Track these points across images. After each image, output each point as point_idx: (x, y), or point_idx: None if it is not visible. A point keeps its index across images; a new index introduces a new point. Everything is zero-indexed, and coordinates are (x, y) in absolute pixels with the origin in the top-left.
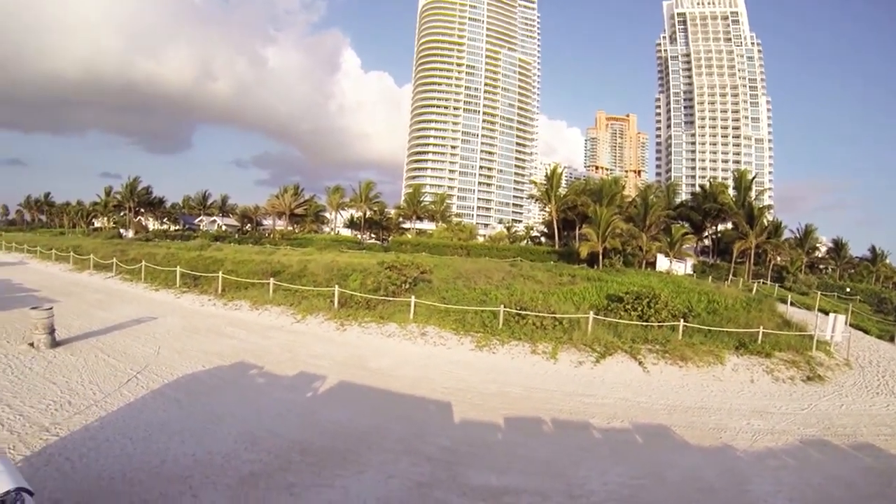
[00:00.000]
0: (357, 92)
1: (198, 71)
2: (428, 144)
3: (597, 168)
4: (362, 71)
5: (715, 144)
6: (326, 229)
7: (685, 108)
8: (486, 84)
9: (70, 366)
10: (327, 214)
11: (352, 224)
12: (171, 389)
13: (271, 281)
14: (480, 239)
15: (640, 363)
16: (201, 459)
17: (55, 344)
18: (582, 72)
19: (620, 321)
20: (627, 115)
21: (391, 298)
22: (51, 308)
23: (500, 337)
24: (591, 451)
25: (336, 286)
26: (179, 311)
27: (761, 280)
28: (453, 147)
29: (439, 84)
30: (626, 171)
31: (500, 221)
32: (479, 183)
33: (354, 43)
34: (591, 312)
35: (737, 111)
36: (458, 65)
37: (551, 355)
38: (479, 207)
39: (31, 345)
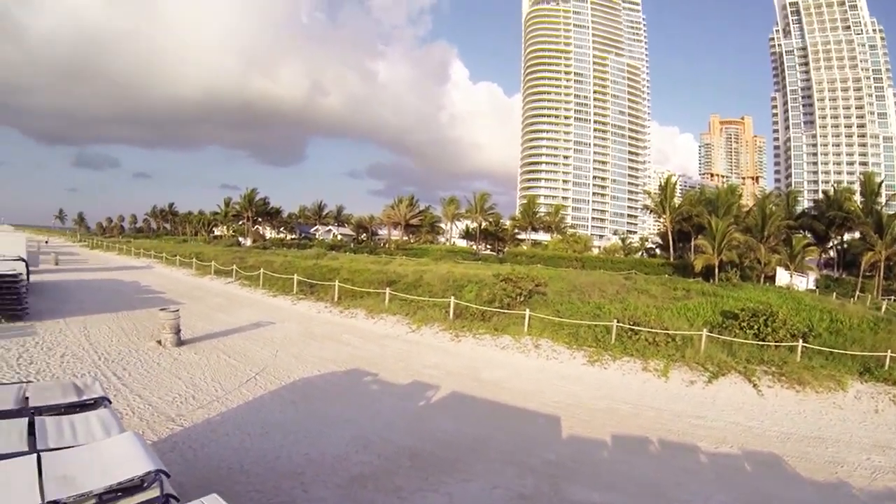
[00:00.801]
0: (467, 102)
1: (310, 87)
2: (541, 155)
3: (712, 176)
4: (471, 82)
5: (838, 145)
6: (442, 240)
7: (804, 105)
8: (595, 91)
9: (194, 364)
10: (442, 225)
11: (467, 235)
12: (287, 392)
13: (387, 290)
14: (595, 251)
15: (754, 385)
16: (314, 459)
17: (180, 343)
18: (692, 74)
19: (735, 339)
20: (742, 118)
21: (506, 311)
22: (177, 310)
23: (612, 352)
24: (697, 474)
25: (451, 297)
26: (296, 317)
27: (892, 297)
28: (566, 157)
29: (548, 93)
30: (743, 179)
31: (615, 233)
32: (593, 193)
33: (462, 54)
34: (705, 329)
35: (861, 107)
36: (566, 73)
37: (662, 373)
38: (593, 218)
39: (159, 342)
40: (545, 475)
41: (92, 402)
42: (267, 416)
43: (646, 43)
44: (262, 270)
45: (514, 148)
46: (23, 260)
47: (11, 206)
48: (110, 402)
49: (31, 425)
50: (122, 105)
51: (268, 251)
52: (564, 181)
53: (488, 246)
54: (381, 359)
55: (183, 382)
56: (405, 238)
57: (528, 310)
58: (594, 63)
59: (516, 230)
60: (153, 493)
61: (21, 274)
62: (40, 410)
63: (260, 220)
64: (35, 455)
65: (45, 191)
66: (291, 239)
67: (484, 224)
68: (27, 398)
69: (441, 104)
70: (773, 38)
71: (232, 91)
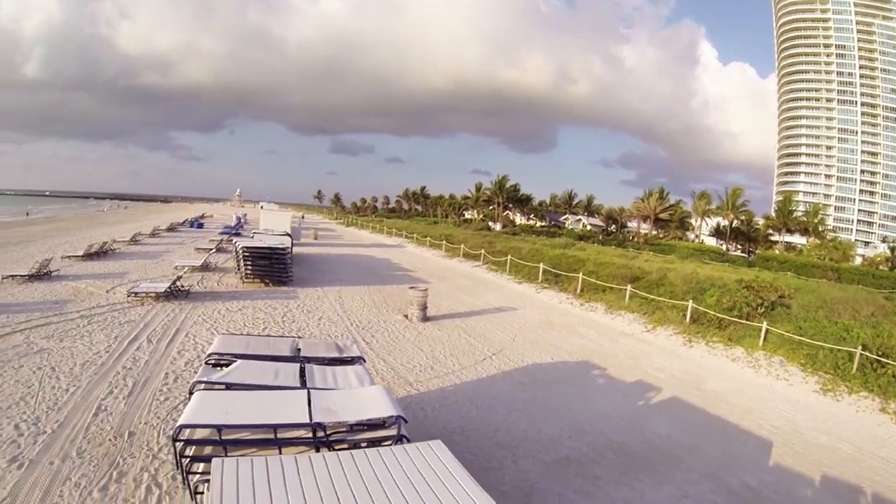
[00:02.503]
0: (718, 86)
1: (556, 75)
2: (799, 145)
3: None
4: (720, 63)
5: None
6: (691, 236)
7: None
8: (860, 66)
9: (435, 338)
10: (692, 220)
11: (717, 233)
12: (519, 374)
13: (628, 287)
14: (858, 260)
15: None
16: (529, 436)
17: (425, 319)
18: None
19: None
20: None
21: (744, 321)
22: (426, 289)
23: (849, 384)
24: None
25: (690, 301)
26: (538, 305)
27: None
28: (828, 147)
29: (805, 72)
30: None
31: (884, 240)
32: (860, 191)
33: (709, 33)
34: None
35: None
36: (826, 46)
37: None
38: (859, 221)
39: (406, 316)
40: (739, 498)
41: (350, 359)
42: (496, 392)
43: None
44: (509, 257)
45: (771, 136)
46: (288, 235)
47: (277, 186)
48: (364, 361)
49: (303, 369)
50: (374, 97)
51: (517, 237)
52: (827, 175)
53: (738, 246)
54: (612, 354)
55: (424, 354)
56: (654, 232)
57: (766, 323)
58: (858, 32)
59: (769, 231)
60: (391, 431)
61: (288, 247)
62: (309, 360)
63: (510, 205)
64: (306, 391)
65: (306, 174)
66: (541, 226)
67: (735, 222)
68: (299, 349)
69: (691, 89)
70: None
71: (479, 80)
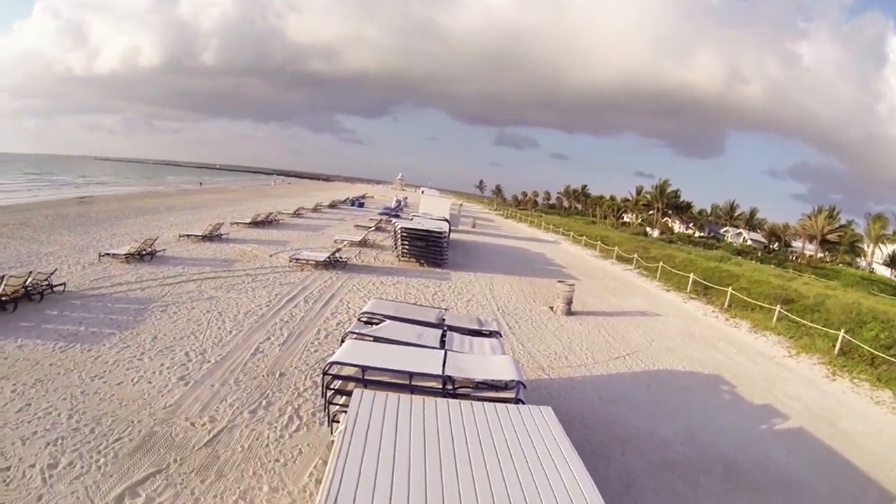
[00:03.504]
0: None
1: (728, 74)
2: None
3: None
4: None
5: None
6: (862, 263)
7: None
8: None
9: (575, 332)
10: (864, 246)
11: (893, 263)
12: (648, 376)
13: (778, 308)
14: None
15: None
16: (642, 434)
17: (569, 313)
18: None
19: None
20: None
21: None
22: (573, 284)
23: None
24: None
25: (842, 331)
26: (682, 315)
27: None
28: None
29: None
30: None
31: None
32: None
33: None
34: None
35: None
36: None
37: None
38: None
39: (551, 308)
40: None
41: (488, 332)
42: (621, 389)
43: None
44: (660, 263)
45: None
46: (446, 220)
47: (438, 173)
48: (501, 336)
49: (444, 335)
50: (539, 91)
51: (672, 245)
52: None
53: None
54: (745, 374)
55: (561, 345)
56: (819, 255)
57: None
58: None
59: None
60: (511, 394)
61: (445, 231)
62: (452, 328)
63: (669, 212)
64: (444, 351)
65: (468, 163)
66: (699, 236)
67: None
68: (444, 319)
69: (878, 92)
70: None
71: (647, 79)
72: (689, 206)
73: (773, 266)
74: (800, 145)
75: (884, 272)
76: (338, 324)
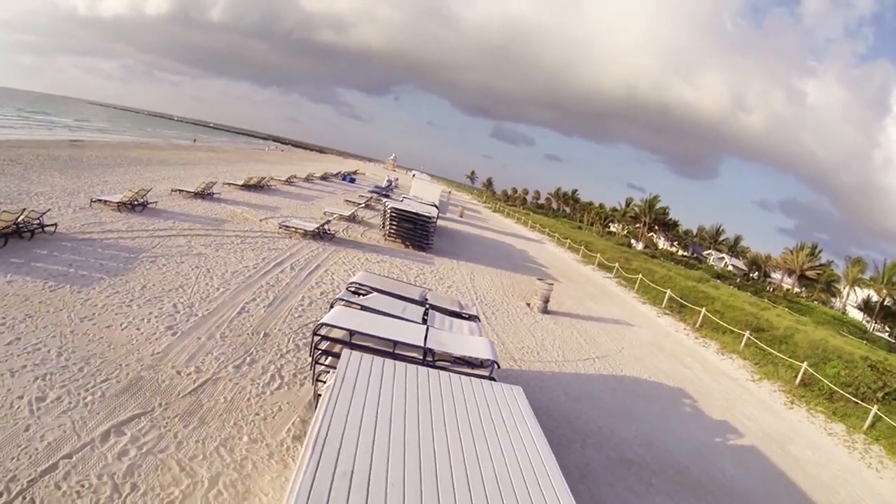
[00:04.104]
0: None
1: (731, 100)
2: None
3: None
4: None
5: None
6: (837, 304)
7: None
8: None
9: (549, 330)
10: (840, 287)
11: (865, 306)
12: (614, 380)
13: (747, 334)
14: None
15: None
16: (603, 432)
17: (545, 311)
18: None
19: None
20: None
21: (857, 401)
22: (552, 284)
23: None
24: None
25: (805, 363)
26: (654, 328)
27: None
28: None
29: None
30: None
31: None
32: None
33: None
34: None
35: None
36: None
37: None
38: None
39: (528, 305)
40: None
41: (467, 315)
42: (587, 389)
43: None
44: (640, 276)
45: None
46: (435, 206)
47: (431, 159)
48: (479, 320)
49: (426, 312)
50: (542, 90)
51: (654, 260)
52: None
53: (887, 327)
54: (707, 391)
55: (534, 340)
56: (796, 289)
57: (876, 408)
58: None
59: None
60: (485, 371)
61: (434, 216)
62: (434, 307)
63: (656, 227)
64: (426, 326)
65: (462, 152)
66: (682, 255)
67: (888, 300)
68: (426, 298)
69: (876, 140)
70: None
71: (651, 92)
72: (675, 224)
73: (749, 293)
74: (793, 181)
75: (856, 315)
76: (322, 293)
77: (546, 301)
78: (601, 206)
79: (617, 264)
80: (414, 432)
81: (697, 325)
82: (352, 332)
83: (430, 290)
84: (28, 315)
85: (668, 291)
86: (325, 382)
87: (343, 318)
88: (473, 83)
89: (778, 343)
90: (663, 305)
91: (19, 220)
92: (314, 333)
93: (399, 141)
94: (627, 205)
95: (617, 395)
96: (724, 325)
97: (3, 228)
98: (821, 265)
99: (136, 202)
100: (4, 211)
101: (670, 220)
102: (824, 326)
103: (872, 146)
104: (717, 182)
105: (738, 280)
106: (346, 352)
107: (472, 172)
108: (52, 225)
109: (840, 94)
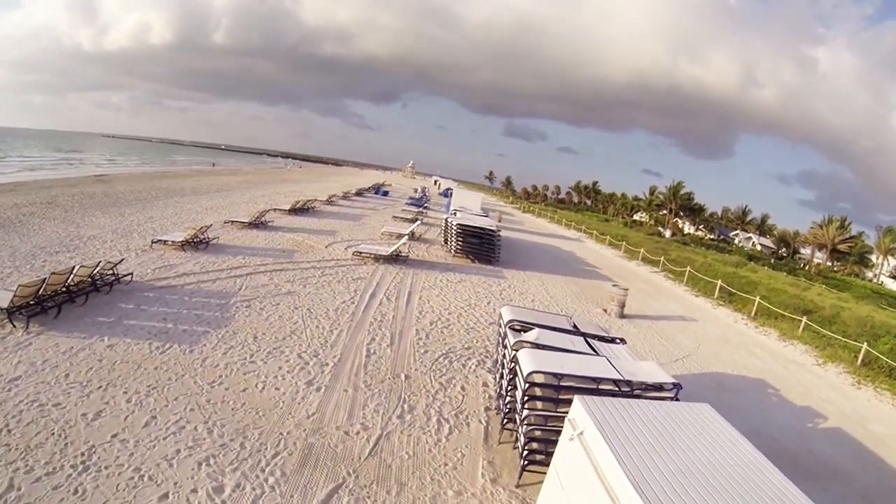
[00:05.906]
0: None
1: (741, 76)
2: None
3: None
4: None
5: None
6: (869, 275)
7: None
8: None
9: (632, 335)
10: (873, 258)
11: None
12: (706, 378)
13: (804, 319)
14: None
15: None
16: None
17: (622, 316)
18: None
19: None
20: None
21: None
22: (627, 289)
23: None
24: None
25: (864, 343)
26: (714, 321)
27: None
28: None
29: None
30: None
31: None
32: None
33: None
34: None
35: None
36: None
37: None
38: None
39: (605, 311)
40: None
41: (611, 338)
42: (687, 389)
43: None
44: (688, 268)
45: None
46: (485, 216)
47: (446, 161)
48: (624, 342)
49: (587, 342)
50: (551, 83)
51: (688, 247)
52: None
53: None
54: (783, 378)
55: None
56: (828, 264)
57: None
58: None
59: None
60: (669, 394)
61: (497, 231)
62: (585, 335)
63: (681, 213)
64: (603, 358)
65: (476, 152)
66: (710, 239)
67: None
68: (576, 325)
69: (893, 102)
70: None
71: (659, 75)
72: (701, 208)
73: (785, 274)
74: (810, 152)
75: (892, 284)
76: (430, 323)
77: (622, 306)
78: (624, 196)
79: (662, 258)
80: (693, 462)
81: (753, 315)
82: (559, 376)
83: (570, 316)
84: (151, 387)
85: (718, 281)
86: (534, 427)
87: (541, 361)
88: (481, 82)
89: (828, 324)
90: (716, 297)
91: (95, 273)
92: (526, 382)
93: (412, 147)
94: (651, 193)
95: (714, 392)
96: (778, 311)
97: (83, 284)
98: (852, 237)
99: (198, 240)
100: (81, 266)
101: (696, 205)
102: (864, 301)
103: (889, 108)
104: (734, 160)
105: (771, 260)
106: (579, 397)
107: (491, 172)
108: (128, 275)
109: (852, 59)
